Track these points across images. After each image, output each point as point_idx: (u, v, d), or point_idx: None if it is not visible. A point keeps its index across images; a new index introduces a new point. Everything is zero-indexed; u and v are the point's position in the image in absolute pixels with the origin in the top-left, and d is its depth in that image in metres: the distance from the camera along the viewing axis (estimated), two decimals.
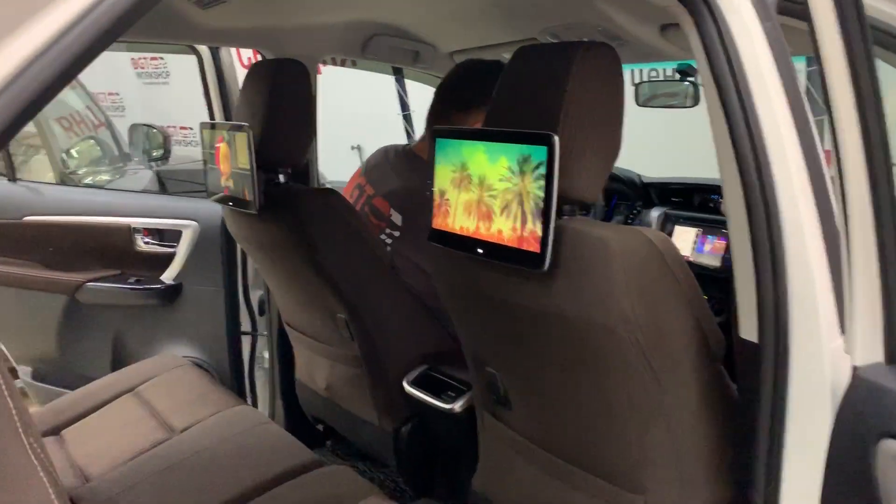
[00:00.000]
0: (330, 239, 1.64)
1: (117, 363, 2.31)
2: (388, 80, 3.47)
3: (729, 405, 1.11)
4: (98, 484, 1.48)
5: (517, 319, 1.19)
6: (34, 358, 2.38)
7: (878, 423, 0.90)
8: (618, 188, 2.49)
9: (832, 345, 0.96)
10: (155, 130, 2.96)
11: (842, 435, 0.94)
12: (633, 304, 1.00)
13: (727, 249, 2.13)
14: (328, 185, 3.94)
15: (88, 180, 3.59)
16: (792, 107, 1.02)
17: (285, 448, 1.54)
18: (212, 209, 2.17)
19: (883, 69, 1.08)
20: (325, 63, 2.42)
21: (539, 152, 1.02)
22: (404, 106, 4.69)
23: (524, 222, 1.06)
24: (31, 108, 0.56)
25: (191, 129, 6.22)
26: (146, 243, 2.29)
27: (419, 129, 2.83)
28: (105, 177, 3.73)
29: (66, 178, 3.33)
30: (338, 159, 4.92)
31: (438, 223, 1.23)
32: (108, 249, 2.27)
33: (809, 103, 1.03)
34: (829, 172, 1.00)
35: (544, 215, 1.02)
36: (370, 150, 2.06)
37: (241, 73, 1.97)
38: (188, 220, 2.26)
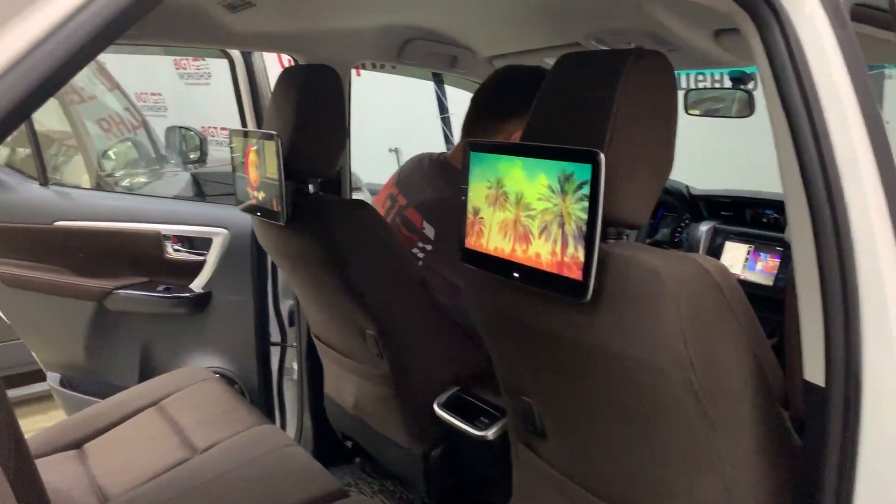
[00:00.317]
0: (359, 252, 1.57)
1: (145, 372, 2.28)
2: (427, 82, 3.41)
3: (790, 453, 1.00)
4: None
5: (555, 349, 1.10)
6: (62, 364, 2.36)
7: None
8: (665, 200, 2.38)
9: None
10: (191, 132, 2.94)
11: None
12: (687, 341, 0.90)
13: (780, 268, 2.00)
14: (364, 187, 3.92)
15: (125, 182, 3.59)
16: (867, 122, 0.92)
17: (309, 475, 1.47)
18: (242, 216, 2.12)
19: None
20: (363, 66, 2.36)
21: (583, 170, 0.93)
22: (443, 108, 4.63)
23: (565, 246, 0.97)
24: (28, 101, 0.53)
25: (231, 129, 6.23)
26: (176, 250, 2.25)
27: (457, 132, 2.76)
28: (142, 179, 3.74)
29: (101, 181, 3.33)
30: (375, 162, 4.88)
31: (472, 243, 1.15)
32: (138, 256, 2.24)
33: None
34: None
35: (587, 240, 0.93)
36: (408, 152, 1.98)
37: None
38: (219, 227, 2.22)
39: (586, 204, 0.93)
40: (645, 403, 1.00)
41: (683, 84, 3.46)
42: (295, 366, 2.27)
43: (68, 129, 3.36)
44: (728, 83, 2.05)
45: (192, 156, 2.97)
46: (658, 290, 0.91)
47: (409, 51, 1.99)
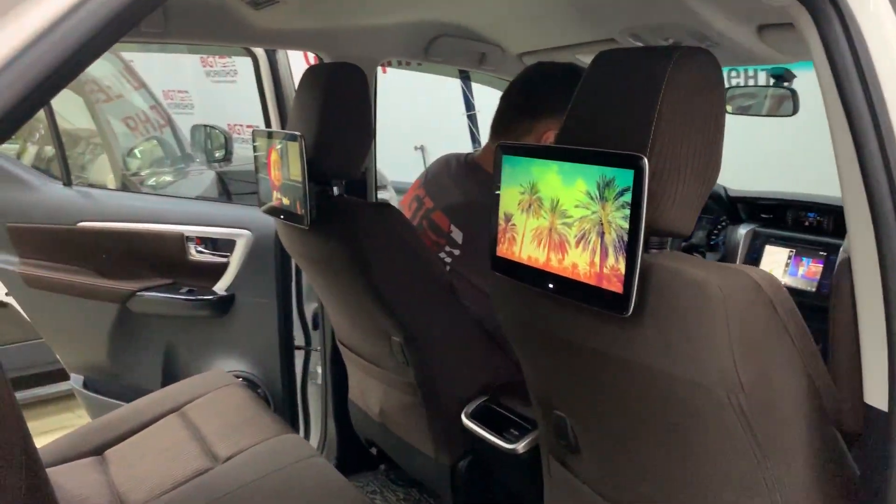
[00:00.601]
0: (384, 257, 1.52)
1: (168, 375, 2.26)
2: (454, 79, 3.35)
3: (846, 480, 0.93)
4: None
5: (592, 364, 1.04)
6: (86, 366, 2.34)
7: None
8: None
9: None
10: (216, 131, 2.91)
11: None
12: (736, 360, 0.84)
13: (824, 274, 1.91)
14: (389, 185, 3.87)
15: (151, 181, 3.58)
16: None
17: (331, 488, 1.42)
18: (266, 218, 2.08)
19: None
20: (389, 64, 2.31)
21: (624, 176, 0.87)
22: (469, 106, 4.57)
23: (604, 256, 0.90)
24: (29, 101, 0.51)
25: (257, 127, 6.23)
26: (199, 252, 2.22)
27: (484, 129, 2.69)
28: (167, 178, 3.72)
29: (126, 180, 3.32)
30: (401, 160, 4.83)
31: (503, 251, 1.09)
32: (161, 258, 2.21)
33: None
34: None
35: (629, 250, 0.87)
36: (434, 150, 1.93)
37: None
38: (242, 228, 2.18)
39: (628, 212, 0.87)
40: (689, 425, 0.93)
41: None
42: (319, 370, 2.23)
43: (95, 128, 3.36)
44: (762, 80, 1.96)
45: (217, 154, 2.93)
46: (705, 304, 0.84)
47: (436, 48, 1.94)
